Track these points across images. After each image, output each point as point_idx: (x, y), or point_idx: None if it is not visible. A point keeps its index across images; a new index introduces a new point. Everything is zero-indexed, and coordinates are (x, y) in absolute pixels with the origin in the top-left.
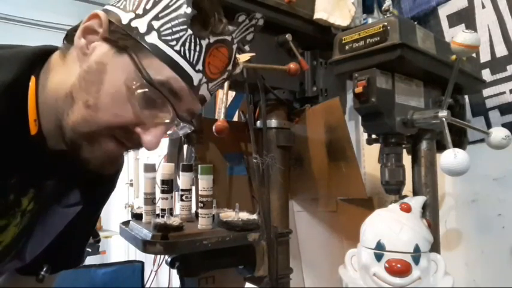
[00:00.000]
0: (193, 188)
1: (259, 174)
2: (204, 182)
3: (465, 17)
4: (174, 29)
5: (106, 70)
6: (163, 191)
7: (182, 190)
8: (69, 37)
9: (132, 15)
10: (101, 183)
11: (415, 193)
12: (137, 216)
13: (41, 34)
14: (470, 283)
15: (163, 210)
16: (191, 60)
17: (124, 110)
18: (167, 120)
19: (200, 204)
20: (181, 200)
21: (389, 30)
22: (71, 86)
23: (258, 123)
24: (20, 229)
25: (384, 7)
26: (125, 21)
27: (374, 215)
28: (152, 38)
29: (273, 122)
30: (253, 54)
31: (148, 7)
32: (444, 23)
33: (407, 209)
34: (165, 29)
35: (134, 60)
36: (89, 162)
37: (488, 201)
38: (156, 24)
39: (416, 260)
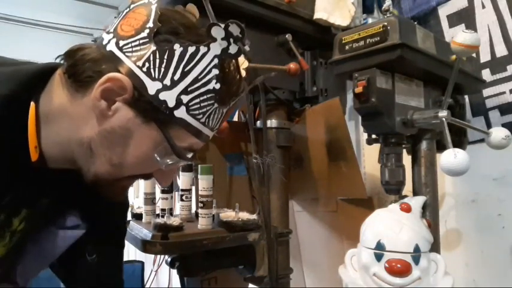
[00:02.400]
0: (193, 188)
1: (259, 174)
2: (204, 182)
3: (465, 17)
4: (202, 104)
5: (132, 136)
6: (163, 191)
7: (182, 190)
8: (75, 77)
9: (159, 85)
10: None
11: (415, 193)
12: (137, 216)
13: (41, 34)
14: (470, 283)
15: (163, 210)
16: (213, 126)
17: (149, 168)
18: (181, 166)
19: (200, 204)
20: (181, 200)
21: (389, 30)
22: (88, 138)
23: (258, 123)
24: (8, 249)
25: (384, 7)
26: (151, 91)
27: (374, 215)
28: (180, 113)
29: (273, 122)
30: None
31: (176, 78)
32: (444, 23)
33: (407, 209)
34: (194, 104)
35: (164, 133)
36: (104, 195)
37: (488, 201)
38: (185, 98)
39: (416, 260)
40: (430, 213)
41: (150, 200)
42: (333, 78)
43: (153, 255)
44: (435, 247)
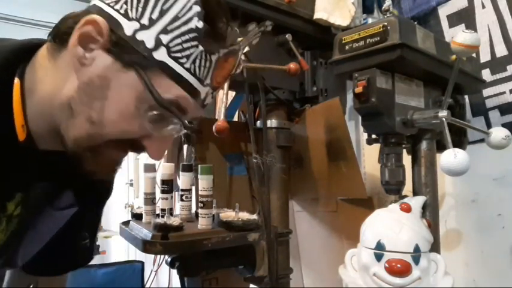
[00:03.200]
0: (193, 188)
1: (259, 174)
2: (204, 182)
3: (465, 17)
4: (184, 45)
5: (110, 86)
6: (163, 191)
7: (182, 190)
8: (57, 36)
9: (137, 25)
10: (97, 183)
11: (415, 193)
12: (137, 216)
13: (41, 34)
14: (470, 283)
15: (163, 210)
16: (201, 76)
17: (132, 126)
18: (174, 133)
19: (200, 204)
20: (181, 200)
21: (389, 30)
22: (68, 98)
23: (258, 123)
24: (7, 235)
25: (384, 7)
26: (128, 32)
27: (374, 215)
28: (161, 55)
29: (273, 122)
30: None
31: (154, 17)
32: (444, 23)
33: (407, 209)
34: (175, 45)
35: (143, 78)
36: (89, 170)
37: (488, 201)
38: (164, 38)
39: (416, 260)
40: (430, 213)
41: (150, 200)
42: (333, 78)
43: (153, 255)
44: (435, 247)
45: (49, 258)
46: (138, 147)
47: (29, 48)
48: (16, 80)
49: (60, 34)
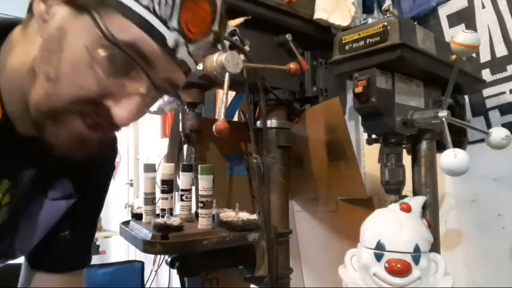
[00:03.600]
0: (193, 188)
1: (259, 174)
2: (204, 182)
3: (465, 17)
4: None
5: (66, 35)
6: (163, 191)
7: (182, 190)
8: (29, 5)
9: None
10: (93, 173)
11: (415, 193)
12: (137, 216)
13: None
14: (470, 283)
15: (163, 210)
16: (162, 15)
17: (88, 79)
18: (141, 89)
19: (200, 204)
20: (181, 200)
21: (389, 30)
22: (32, 60)
23: (258, 123)
24: None
25: (384, 7)
26: None
27: (374, 215)
28: None
29: (273, 122)
30: (247, 17)
31: None
32: (444, 23)
33: (407, 209)
34: None
35: (94, 18)
36: (55, 145)
37: (488, 201)
38: None
39: (416, 260)
40: (430, 213)
41: (150, 200)
42: (333, 78)
43: (153, 255)
44: (435, 247)
45: (48, 253)
46: (102, 113)
47: (5, 26)
48: None
49: (31, 2)
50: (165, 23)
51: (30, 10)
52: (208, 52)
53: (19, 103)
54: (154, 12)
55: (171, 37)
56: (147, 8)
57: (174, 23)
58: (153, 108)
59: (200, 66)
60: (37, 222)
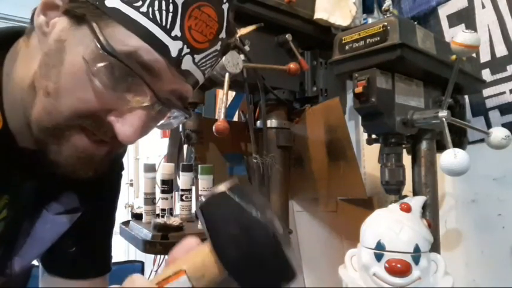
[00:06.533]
0: (193, 188)
1: (259, 174)
2: (204, 182)
3: (465, 17)
4: None
5: (65, 48)
6: (163, 191)
7: (182, 190)
8: (32, 16)
9: None
10: (99, 186)
11: (415, 193)
12: (137, 216)
13: None
14: (470, 283)
15: (163, 210)
16: (164, 23)
17: (87, 92)
18: (145, 103)
19: None
20: (181, 200)
21: (389, 30)
22: (32, 75)
23: (258, 123)
24: None
25: (384, 7)
26: None
27: (374, 215)
28: (113, 1)
29: (273, 122)
30: (260, 24)
31: None
32: (444, 23)
33: (407, 209)
34: None
35: (93, 29)
36: (59, 162)
37: (488, 201)
38: None
39: (416, 260)
40: (430, 213)
41: (150, 200)
42: (333, 78)
43: (153, 255)
44: (435, 247)
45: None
46: (106, 129)
47: (12, 34)
48: None
49: (33, 13)
50: (167, 31)
51: (32, 21)
52: (217, 62)
53: (21, 117)
54: (155, 21)
55: (174, 46)
56: (147, 16)
57: (177, 31)
58: (161, 122)
59: None
60: (39, 238)
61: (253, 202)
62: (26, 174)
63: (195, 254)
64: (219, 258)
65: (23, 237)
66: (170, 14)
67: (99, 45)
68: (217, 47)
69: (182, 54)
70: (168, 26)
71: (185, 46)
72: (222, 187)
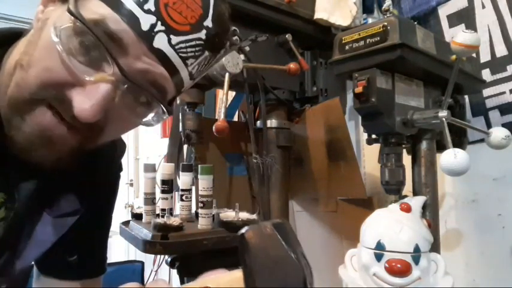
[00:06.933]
0: (193, 188)
1: (259, 174)
2: (204, 182)
3: (465, 17)
4: None
5: (46, 24)
6: (163, 191)
7: (182, 190)
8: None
9: None
10: (99, 186)
11: (415, 193)
12: (137, 216)
13: None
14: (470, 283)
15: (163, 210)
16: None
17: (54, 61)
18: (110, 77)
19: (200, 204)
20: (181, 200)
21: (389, 30)
22: (18, 56)
23: (258, 123)
24: None
25: (384, 7)
26: None
27: (374, 215)
28: None
29: (273, 122)
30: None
31: None
32: (444, 23)
33: (407, 209)
34: None
35: (67, 1)
36: (17, 141)
37: (488, 201)
38: None
39: (416, 260)
40: (430, 213)
41: (150, 200)
42: (333, 78)
43: (153, 255)
44: (435, 247)
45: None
46: (68, 105)
47: (12, 35)
48: None
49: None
50: (139, 3)
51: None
52: (203, 55)
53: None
54: None
55: (146, 20)
56: None
57: (150, 5)
58: (145, 118)
59: None
60: (39, 240)
61: (290, 242)
62: (22, 172)
63: (224, 276)
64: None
65: (24, 240)
66: None
67: (67, 12)
68: (201, 35)
69: (155, 30)
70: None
71: (159, 23)
72: (269, 225)
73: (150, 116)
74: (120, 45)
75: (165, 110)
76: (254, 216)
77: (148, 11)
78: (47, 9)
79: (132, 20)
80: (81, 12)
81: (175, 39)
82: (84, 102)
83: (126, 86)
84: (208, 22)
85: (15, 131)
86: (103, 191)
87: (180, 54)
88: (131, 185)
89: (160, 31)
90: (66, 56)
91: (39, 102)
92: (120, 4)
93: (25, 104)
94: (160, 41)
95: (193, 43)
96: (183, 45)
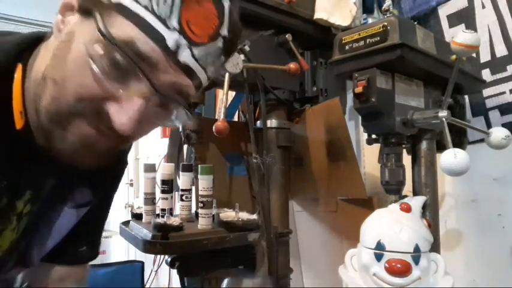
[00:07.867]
0: (193, 188)
1: (259, 174)
2: (204, 182)
3: (465, 17)
4: None
5: (73, 38)
6: (163, 191)
7: (182, 190)
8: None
9: None
10: (108, 181)
11: (415, 193)
12: (137, 216)
13: None
14: (470, 283)
15: (163, 210)
16: (161, 14)
17: (88, 78)
18: (142, 93)
19: (200, 204)
20: (181, 200)
21: (389, 30)
22: (45, 69)
23: (258, 123)
24: (19, 233)
25: (384, 7)
26: None
27: (374, 215)
28: None
29: (273, 122)
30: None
31: None
32: (444, 23)
33: (407, 209)
34: None
35: (95, 18)
36: (62, 150)
37: (488, 201)
38: None
39: (416, 260)
40: (430, 213)
41: (150, 200)
42: (333, 78)
43: (153, 255)
44: (435, 247)
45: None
46: (105, 117)
47: (32, 40)
48: (19, 66)
49: None
50: (164, 22)
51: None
52: (219, 60)
53: (34, 113)
54: (153, 12)
55: (171, 37)
56: (146, 8)
57: (174, 23)
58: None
59: None
60: (56, 230)
61: None
62: (46, 171)
63: None
64: None
65: (42, 231)
66: (168, 6)
67: (98, 31)
68: (219, 43)
69: (179, 45)
70: (165, 17)
71: (182, 38)
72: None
73: (173, 117)
74: (149, 63)
75: (188, 113)
76: (254, 216)
77: (172, 29)
78: (67, 19)
79: (159, 39)
80: (110, 30)
81: (196, 51)
82: (122, 116)
83: (157, 98)
84: (224, 31)
85: (58, 141)
86: (110, 183)
87: (201, 63)
88: (131, 185)
89: (183, 45)
90: (100, 74)
91: (77, 115)
92: (146, 24)
93: (65, 117)
94: (184, 55)
95: (211, 51)
96: (203, 54)
